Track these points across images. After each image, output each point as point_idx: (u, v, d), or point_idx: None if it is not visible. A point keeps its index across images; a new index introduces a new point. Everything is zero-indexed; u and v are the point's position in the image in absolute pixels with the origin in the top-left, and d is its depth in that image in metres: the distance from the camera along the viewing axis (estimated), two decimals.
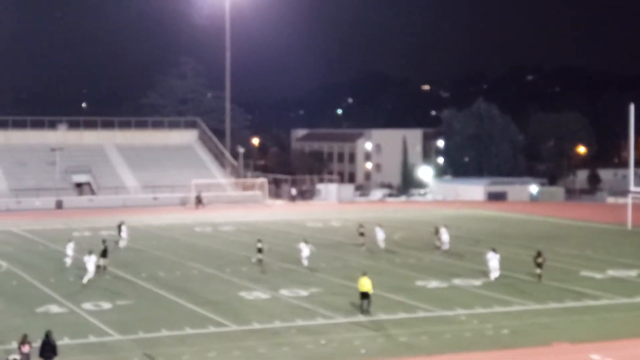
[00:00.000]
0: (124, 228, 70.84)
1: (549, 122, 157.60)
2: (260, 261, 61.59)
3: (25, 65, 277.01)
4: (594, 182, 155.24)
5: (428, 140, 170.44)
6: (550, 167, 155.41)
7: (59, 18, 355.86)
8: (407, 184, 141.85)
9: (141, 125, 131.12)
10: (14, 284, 53.89)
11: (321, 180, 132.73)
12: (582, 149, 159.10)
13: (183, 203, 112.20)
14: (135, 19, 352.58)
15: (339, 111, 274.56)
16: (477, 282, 53.83)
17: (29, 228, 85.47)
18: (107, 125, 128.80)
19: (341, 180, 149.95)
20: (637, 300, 48.68)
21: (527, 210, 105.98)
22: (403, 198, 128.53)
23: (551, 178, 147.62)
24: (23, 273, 58.02)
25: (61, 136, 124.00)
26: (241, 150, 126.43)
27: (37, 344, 33.56)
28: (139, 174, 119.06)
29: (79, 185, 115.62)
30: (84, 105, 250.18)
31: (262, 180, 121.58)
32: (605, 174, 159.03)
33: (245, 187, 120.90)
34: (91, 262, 54.61)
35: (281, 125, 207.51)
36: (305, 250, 60.97)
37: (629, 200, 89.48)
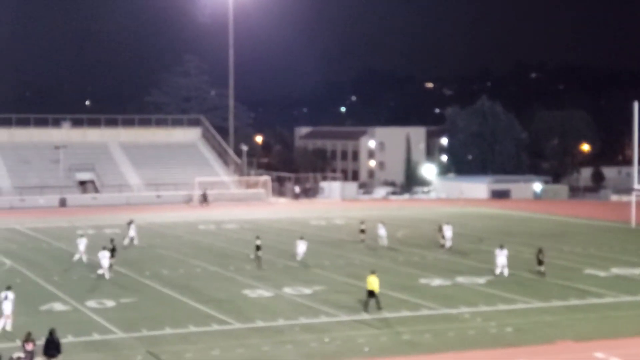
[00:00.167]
0: (132, 226, 70.92)
1: (552, 120, 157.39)
2: (258, 258, 61.75)
3: (29, 63, 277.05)
4: (598, 180, 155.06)
5: (432, 138, 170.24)
6: (554, 165, 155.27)
7: (62, 16, 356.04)
8: (411, 181, 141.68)
9: (145, 123, 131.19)
10: (17, 282, 53.83)
11: (324, 178, 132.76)
12: (586, 147, 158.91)
13: (187, 201, 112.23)
14: (139, 17, 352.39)
15: (343, 109, 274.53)
16: (481, 280, 53.82)
17: (32, 226, 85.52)
18: (111, 123, 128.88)
19: (344, 178, 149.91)
20: None
21: (530, 208, 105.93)
22: (406, 196, 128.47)
23: (555, 176, 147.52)
24: (27, 271, 58.07)
25: (65, 134, 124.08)
26: (245, 148, 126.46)
27: (41, 341, 33.57)
28: (143, 172, 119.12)
29: (82, 183, 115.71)
30: (87, 103, 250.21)
31: (266, 178, 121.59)
32: (609, 172, 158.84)
33: (249, 185, 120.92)
34: (105, 257, 55.28)
35: (285, 123, 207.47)
36: (301, 247, 62.04)
37: (632, 198, 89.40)
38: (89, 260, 60.42)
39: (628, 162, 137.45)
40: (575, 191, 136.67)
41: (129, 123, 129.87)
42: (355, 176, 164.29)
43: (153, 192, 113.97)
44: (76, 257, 61.08)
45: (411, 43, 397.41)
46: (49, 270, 58.10)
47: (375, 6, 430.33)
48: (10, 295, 41.35)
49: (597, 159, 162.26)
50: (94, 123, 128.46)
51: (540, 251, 56.24)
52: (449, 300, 47.37)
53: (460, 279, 54.24)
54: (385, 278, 47.86)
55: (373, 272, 45.79)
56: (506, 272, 55.52)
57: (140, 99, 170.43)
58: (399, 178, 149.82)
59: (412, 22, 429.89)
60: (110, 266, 56.81)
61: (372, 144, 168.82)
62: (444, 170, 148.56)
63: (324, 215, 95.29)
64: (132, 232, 70.32)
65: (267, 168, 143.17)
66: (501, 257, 55.78)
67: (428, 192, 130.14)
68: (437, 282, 53.60)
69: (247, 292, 50.10)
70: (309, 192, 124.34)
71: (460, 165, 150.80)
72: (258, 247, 61.80)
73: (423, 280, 54.03)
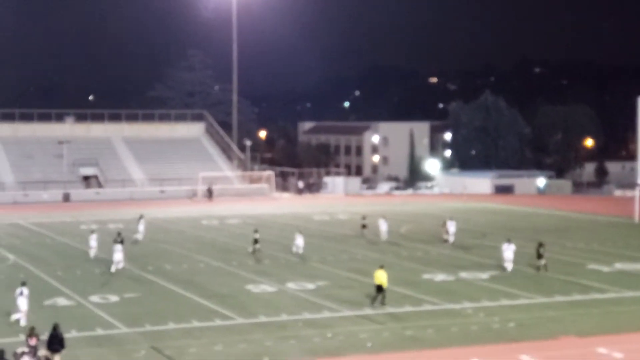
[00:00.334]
0: (142, 221, 71.06)
1: (556, 115, 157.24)
2: (256, 251, 62.45)
3: (33, 58, 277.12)
4: (602, 175, 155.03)
5: (435, 133, 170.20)
6: (557, 160, 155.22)
7: (66, 11, 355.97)
8: (414, 177, 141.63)
9: (148, 118, 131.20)
10: (21, 277, 53.79)
11: (328, 173, 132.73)
12: (589, 142, 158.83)
13: (190, 196, 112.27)
14: (143, 12, 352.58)
15: (346, 104, 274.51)
16: (484, 275, 53.86)
17: (36, 221, 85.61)
18: (114, 118, 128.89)
19: (348, 173, 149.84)
20: None
21: (534, 203, 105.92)
22: (410, 191, 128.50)
23: (558, 171, 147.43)
24: (30, 266, 58.14)
25: (68, 129, 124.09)
26: (248, 143, 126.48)
27: (45, 336, 33.63)
28: (146, 167, 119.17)
29: (86, 178, 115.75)
30: (91, 98, 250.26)
31: (269, 173, 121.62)
32: (612, 167, 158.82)
33: (252, 180, 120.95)
34: (118, 251, 55.75)
35: (288, 118, 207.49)
36: (299, 240, 62.57)
37: (636, 193, 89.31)
38: (96, 256, 60.49)
39: (632, 157, 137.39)
40: (578, 186, 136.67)
41: (132, 118, 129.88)
42: (358, 171, 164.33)
43: (156, 187, 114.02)
44: (92, 253, 61.06)
45: (415, 38, 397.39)
46: (53, 265, 58.19)
47: (379, 1, 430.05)
48: (25, 290, 41.56)
49: (600, 154, 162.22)
50: (98, 118, 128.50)
51: (540, 245, 56.37)
52: (452, 296, 47.42)
53: (464, 274, 54.28)
54: (389, 273, 47.74)
55: (381, 267, 45.91)
56: (510, 267, 55.55)
57: (144, 94, 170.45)
58: (403, 173, 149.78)
59: (416, 17, 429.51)
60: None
61: (375, 139, 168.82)
62: (448, 165, 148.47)
63: (327, 211, 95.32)
64: (141, 227, 70.47)
65: (271, 163, 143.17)
66: (508, 252, 55.93)
67: (431, 187, 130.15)
68: (440, 277, 53.64)
69: (250, 287, 50.15)
70: (313, 187, 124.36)
71: (464, 160, 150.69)
72: (256, 241, 62.79)
73: (426, 276, 54.06)
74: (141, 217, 72.02)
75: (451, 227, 69.68)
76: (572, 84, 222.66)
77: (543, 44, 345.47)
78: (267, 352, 36.36)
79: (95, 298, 46.92)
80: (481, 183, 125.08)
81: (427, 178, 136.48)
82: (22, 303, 41.19)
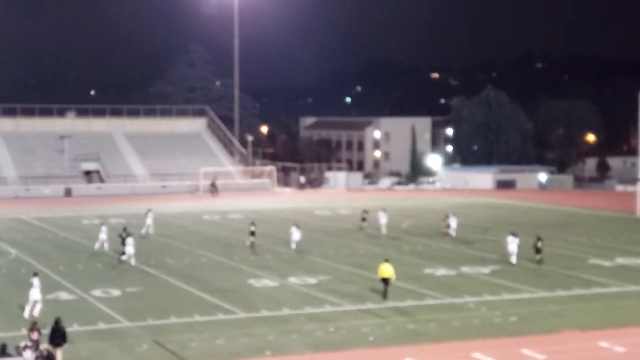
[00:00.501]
0: (150, 215, 71.17)
1: (558, 110, 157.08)
2: (252, 244, 63.11)
3: (34, 52, 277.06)
4: (603, 170, 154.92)
5: (437, 128, 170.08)
6: (559, 155, 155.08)
7: (67, 6, 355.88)
8: (416, 172, 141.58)
9: (150, 113, 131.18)
10: (23, 272, 53.97)
11: (330, 169, 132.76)
12: (591, 137, 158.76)
13: (192, 191, 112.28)
14: (144, 7, 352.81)
15: (348, 99, 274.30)
16: (486, 270, 53.89)
17: (38, 216, 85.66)
18: (116, 113, 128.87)
19: (350, 168, 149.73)
20: None
21: (535, 198, 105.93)
22: (412, 186, 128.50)
23: (560, 166, 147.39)
24: (32, 260, 58.17)
25: (70, 124, 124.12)
26: (250, 138, 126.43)
27: (47, 330, 33.65)
28: (148, 162, 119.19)
29: (87, 173, 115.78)
30: (92, 93, 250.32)
31: (271, 168, 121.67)
32: (614, 162, 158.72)
33: (254, 175, 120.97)
34: (130, 244, 56.11)
35: (290, 113, 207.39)
36: (295, 234, 62.83)
37: (638, 188, 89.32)
38: (103, 249, 60.74)
39: (633, 152, 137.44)
40: (580, 181, 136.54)
41: (134, 113, 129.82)
42: (360, 166, 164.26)
43: (158, 182, 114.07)
44: (105, 246, 61.25)
45: (416, 33, 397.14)
46: (55, 260, 58.23)
47: None
48: (36, 282, 41.72)
49: (602, 149, 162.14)
50: (99, 113, 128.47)
51: (538, 239, 56.58)
52: (453, 290, 47.45)
53: (465, 269, 54.32)
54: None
55: (386, 261, 46.03)
56: (515, 259, 55.73)
57: (145, 89, 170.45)
58: (404, 168, 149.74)
59: (418, 12, 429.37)
60: (122, 253, 57.24)
61: (377, 134, 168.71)
62: (449, 161, 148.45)
63: (329, 206, 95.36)
64: (149, 221, 70.60)
65: (272, 158, 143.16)
66: (512, 245, 56.11)
67: (433, 182, 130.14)
68: (441, 271, 53.68)
69: (252, 282, 50.20)
70: (314, 182, 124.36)
71: (466, 155, 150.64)
72: (252, 233, 63.73)
73: (428, 270, 54.10)
74: (149, 211, 72.20)
75: (453, 222, 69.83)
76: (574, 79, 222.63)
77: (545, 39, 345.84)
78: (269, 346, 36.39)
79: (97, 292, 46.97)
80: (483, 178, 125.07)
81: (428, 173, 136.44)
82: (35, 293, 41.46)
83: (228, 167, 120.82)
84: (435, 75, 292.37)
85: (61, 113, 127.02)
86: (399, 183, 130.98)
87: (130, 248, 56.12)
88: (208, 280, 50.80)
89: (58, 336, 33.25)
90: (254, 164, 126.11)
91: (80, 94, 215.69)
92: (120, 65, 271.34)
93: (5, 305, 44.38)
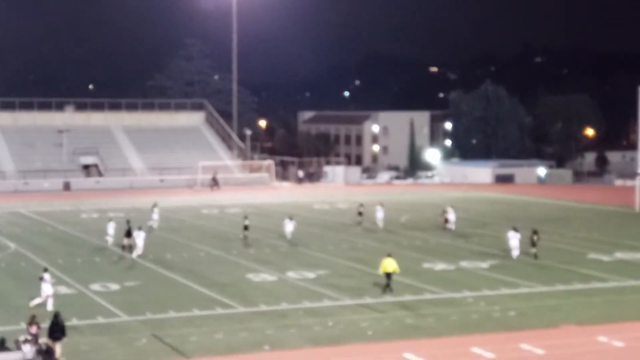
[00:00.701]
0: (155, 209, 71.23)
1: (557, 104, 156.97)
2: (246, 237, 63.59)
3: (33, 47, 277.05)
4: (602, 164, 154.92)
5: (435, 122, 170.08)
6: (558, 150, 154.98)
7: (66, 0, 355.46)
8: (415, 166, 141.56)
9: (148, 107, 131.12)
10: (22, 265, 54.04)
11: (328, 163, 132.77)
12: (590, 131, 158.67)
13: (190, 185, 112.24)
14: (143, 1, 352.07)
15: (346, 93, 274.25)
16: (484, 265, 53.91)
17: (36, 209, 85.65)
18: (114, 107, 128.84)
19: (348, 162, 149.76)
20: None
21: (534, 193, 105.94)
22: (410, 180, 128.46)
23: (559, 160, 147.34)
24: (31, 254, 58.17)
25: (68, 118, 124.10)
26: (248, 132, 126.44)
27: (46, 324, 33.64)
28: (146, 156, 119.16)
29: (86, 167, 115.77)
30: (91, 87, 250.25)
31: (269, 162, 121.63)
32: (613, 157, 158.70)
33: (252, 169, 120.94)
34: (140, 237, 56.45)
35: (288, 108, 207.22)
36: (289, 226, 64.00)
37: (637, 182, 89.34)
38: (112, 243, 60.95)
39: (632, 146, 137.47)
40: (579, 176, 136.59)
41: (132, 107, 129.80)
42: (358, 161, 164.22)
43: (156, 176, 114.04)
44: (110, 240, 61.36)
45: (415, 27, 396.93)
46: (53, 254, 58.21)
47: None
48: (46, 276, 41.86)
49: (601, 144, 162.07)
50: (98, 107, 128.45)
51: (534, 233, 56.68)
52: (452, 285, 47.46)
53: (464, 264, 54.33)
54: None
55: (389, 255, 46.11)
56: (516, 254, 55.84)
57: (144, 83, 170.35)
58: (403, 162, 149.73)
59: (416, 5, 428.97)
60: (124, 247, 57.56)
61: (375, 128, 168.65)
62: (448, 155, 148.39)
63: (327, 200, 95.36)
64: (155, 215, 70.67)
65: (271, 152, 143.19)
66: (514, 240, 56.21)
67: (432, 176, 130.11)
68: (440, 266, 53.70)
69: (251, 276, 50.20)
70: (313, 177, 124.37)
71: (464, 149, 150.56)
72: (246, 227, 64.41)
73: (426, 265, 54.12)
74: (155, 205, 72.34)
75: (451, 215, 69.93)
76: (573, 74, 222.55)
77: (544, 34, 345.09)
78: (268, 340, 36.39)
79: (96, 286, 46.97)
80: (482, 172, 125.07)
81: (427, 167, 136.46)
82: (47, 288, 41.56)
83: (226, 161, 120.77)
84: (434, 69, 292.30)
85: (60, 107, 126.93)
86: (397, 177, 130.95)
87: (140, 241, 56.42)
88: (207, 275, 50.81)
89: (57, 330, 33.26)
90: (252, 158, 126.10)
91: (79, 88, 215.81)
92: (118, 60, 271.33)
93: (4, 299, 44.37)
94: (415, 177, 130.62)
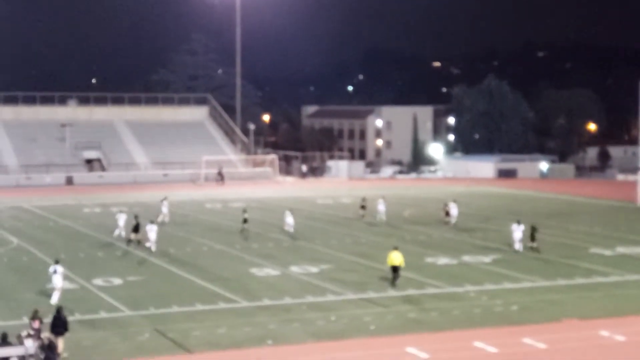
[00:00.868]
0: (165, 203, 71.35)
1: (559, 99, 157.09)
2: (244, 231, 63.92)
3: (36, 41, 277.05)
4: (604, 159, 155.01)
5: (438, 117, 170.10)
6: (560, 144, 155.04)
7: None
8: (418, 161, 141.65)
9: (151, 101, 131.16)
10: (24, 260, 54.10)
11: (331, 157, 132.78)
12: (592, 126, 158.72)
13: (194, 179, 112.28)
14: None
15: (350, 88, 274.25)
16: (487, 259, 53.92)
17: (39, 204, 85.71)
18: (117, 101, 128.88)
19: (351, 157, 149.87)
20: None
21: (537, 187, 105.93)
22: (413, 175, 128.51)
23: (561, 155, 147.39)
24: (34, 249, 58.21)
25: (71, 112, 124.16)
26: (252, 126, 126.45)
27: (48, 319, 33.69)
28: (149, 150, 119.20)
29: (89, 162, 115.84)
30: (93, 81, 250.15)
31: (273, 156, 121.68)
32: (615, 151, 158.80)
33: (256, 164, 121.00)
34: (153, 231, 56.70)
35: (291, 102, 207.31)
36: (289, 219, 64.41)
37: (639, 177, 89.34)
38: (118, 235, 61.34)
39: (634, 141, 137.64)
40: (581, 170, 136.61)
41: (135, 101, 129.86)
42: (362, 155, 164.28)
43: (160, 171, 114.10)
44: (116, 232, 61.83)
45: (418, 22, 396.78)
46: (56, 248, 58.18)
47: None
48: (60, 268, 41.92)
49: (603, 139, 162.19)
50: (101, 101, 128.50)
51: (533, 228, 56.79)
52: (454, 279, 47.49)
53: (466, 258, 54.35)
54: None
55: (396, 248, 46.23)
56: (520, 247, 55.96)
57: (147, 78, 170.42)
58: (406, 157, 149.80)
59: (420, 1, 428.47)
60: (138, 241, 57.76)
61: (379, 123, 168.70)
62: (451, 150, 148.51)
63: (330, 194, 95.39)
64: (164, 209, 70.77)
65: (274, 147, 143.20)
66: (517, 233, 56.42)
67: (435, 171, 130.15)
68: (443, 260, 53.72)
69: (254, 271, 50.22)
70: (316, 171, 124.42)
71: (467, 144, 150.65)
72: (245, 220, 64.78)
73: (429, 259, 54.15)
74: (165, 198, 72.51)
75: (453, 209, 70.04)
76: (576, 68, 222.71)
77: (546, 28, 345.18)
78: (271, 335, 36.43)
79: (98, 281, 47.01)
80: (484, 167, 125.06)
81: (430, 162, 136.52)
82: (57, 281, 41.66)
83: (230, 156, 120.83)
84: (437, 64, 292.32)
85: (62, 101, 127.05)
86: (400, 172, 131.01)
87: (152, 234, 56.59)
88: (210, 269, 50.84)
89: (59, 325, 33.28)
90: (255, 153, 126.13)
91: (82, 82, 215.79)
92: (122, 54, 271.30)
93: (6, 293, 44.43)
94: (418, 172, 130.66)
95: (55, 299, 40.85)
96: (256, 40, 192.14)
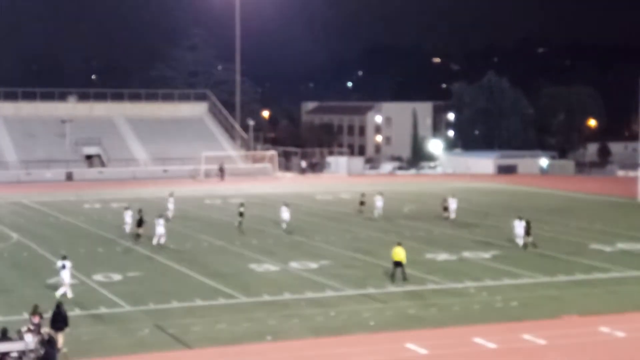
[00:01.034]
0: (171, 199, 71.43)
1: (559, 95, 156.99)
2: (240, 224, 64.49)
3: (35, 36, 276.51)
4: (604, 155, 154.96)
5: (438, 113, 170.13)
6: (560, 141, 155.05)
7: None
8: (417, 157, 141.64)
9: (151, 97, 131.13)
10: (25, 256, 54.12)
11: (331, 153, 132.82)
12: (592, 122, 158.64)
13: (193, 175, 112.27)
14: None
15: (349, 84, 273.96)
16: (487, 255, 53.94)
17: (39, 200, 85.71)
18: (117, 97, 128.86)
19: (351, 153, 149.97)
20: None
21: (537, 184, 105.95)
22: (413, 171, 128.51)
23: (561, 151, 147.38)
24: (34, 244, 58.23)
25: (71, 108, 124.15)
26: (251, 122, 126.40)
27: (48, 314, 33.70)
28: (149, 146, 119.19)
29: (89, 157, 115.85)
30: (93, 77, 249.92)
31: (272, 152, 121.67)
32: (615, 147, 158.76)
33: (255, 160, 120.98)
34: (160, 225, 57.08)
35: (291, 98, 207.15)
36: (285, 214, 64.31)
37: (639, 173, 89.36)
38: (129, 232, 61.32)
39: (634, 137, 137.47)
40: (581, 166, 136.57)
41: (135, 97, 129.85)
42: (361, 151, 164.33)
43: (159, 167, 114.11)
44: (127, 229, 62.06)
45: (418, 18, 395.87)
46: (56, 244, 58.23)
47: None
48: (68, 263, 42.04)
49: (603, 135, 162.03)
50: (100, 97, 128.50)
51: (527, 222, 56.96)
52: (454, 275, 47.51)
53: (466, 254, 54.38)
54: (391, 252, 47.82)
55: (399, 244, 46.34)
56: (522, 242, 56.16)
57: (147, 74, 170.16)
58: (406, 153, 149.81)
59: None
60: (139, 236, 58.17)
61: (378, 119, 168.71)
62: (451, 146, 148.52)
63: (330, 190, 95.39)
64: (170, 205, 70.88)
65: (274, 143, 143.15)
66: (519, 228, 56.62)
67: (435, 167, 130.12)
68: (442, 256, 53.74)
69: (254, 267, 50.25)
70: (316, 167, 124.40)
71: (467, 140, 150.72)
72: (241, 214, 65.33)
73: (429, 255, 54.16)
74: (171, 194, 72.56)
75: (452, 204, 70.19)
76: (576, 65, 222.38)
77: (546, 25, 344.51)
78: (270, 330, 36.45)
79: (98, 277, 47.04)
80: (484, 163, 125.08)
81: (430, 158, 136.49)
82: (66, 276, 41.87)
83: (229, 152, 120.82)
84: (437, 60, 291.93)
85: (62, 97, 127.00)
86: (400, 168, 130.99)
87: (160, 228, 56.96)
88: (209, 265, 50.86)
89: (60, 320, 33.33)
90: (255, 149, 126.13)
91: (82, 78, 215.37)
92: (121, 49, 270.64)
93: (6, 289, 44.45)
94: (418, 168, 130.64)
95: (60, 293, 40.98)
96: (256, 36, 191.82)
